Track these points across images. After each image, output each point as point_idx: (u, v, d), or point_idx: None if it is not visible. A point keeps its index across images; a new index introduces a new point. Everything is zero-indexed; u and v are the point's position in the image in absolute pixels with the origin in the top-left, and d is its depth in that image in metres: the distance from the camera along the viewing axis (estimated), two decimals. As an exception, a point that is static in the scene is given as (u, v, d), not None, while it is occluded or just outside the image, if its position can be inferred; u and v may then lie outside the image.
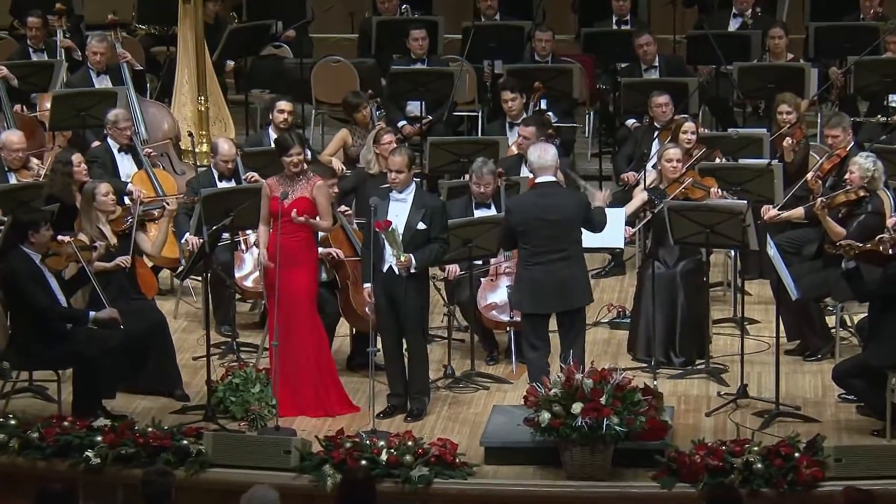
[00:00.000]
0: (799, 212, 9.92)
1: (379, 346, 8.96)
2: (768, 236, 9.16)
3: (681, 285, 9.59)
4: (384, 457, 8.16)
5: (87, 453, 8.35)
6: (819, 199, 9.54)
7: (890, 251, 8.54)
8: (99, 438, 8.39)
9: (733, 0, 13.08)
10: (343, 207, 9.92)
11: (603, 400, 8.02)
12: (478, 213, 9.73)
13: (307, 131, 12.66)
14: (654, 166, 10.45)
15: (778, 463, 8.03)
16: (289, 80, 13.01)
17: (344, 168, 11.14)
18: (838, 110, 11.80)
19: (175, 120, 12.16)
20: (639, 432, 8.09)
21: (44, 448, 8.45)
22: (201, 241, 9.22)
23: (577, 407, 8.00)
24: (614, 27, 13.09)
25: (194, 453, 8.31)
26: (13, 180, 10.42)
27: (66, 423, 8.53)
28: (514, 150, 10.93)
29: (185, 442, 8.36)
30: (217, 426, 8.71)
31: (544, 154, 8.70)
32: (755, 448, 8.10)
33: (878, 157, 9.63)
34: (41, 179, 10.38)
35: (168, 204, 9.95)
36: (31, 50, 12.56)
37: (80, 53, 12.52)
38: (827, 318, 9.74)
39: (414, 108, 12.39)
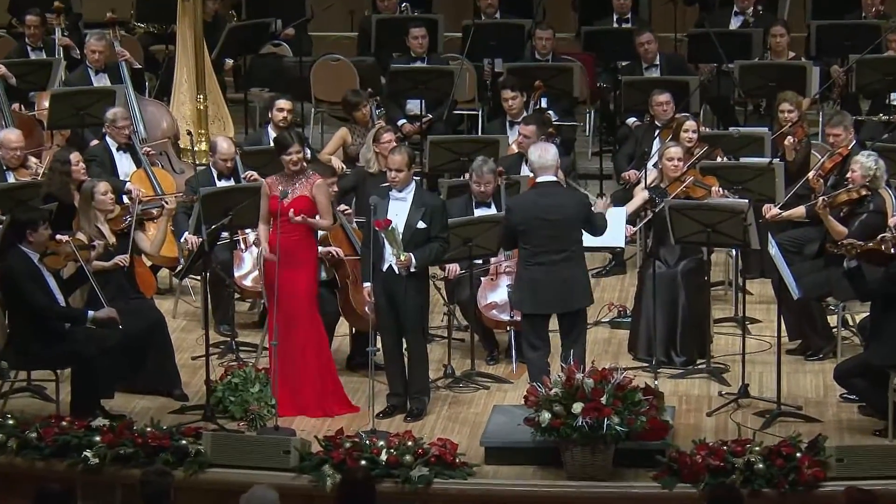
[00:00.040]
0: (800, 211, 9.90)
1: (378, 345, 8.94)
2: (770, 235, 9.15)
3: (682, 284, 9.57)
4: (384, 457, 8.15)
5: (85, 453, 8.33)
6: (821, 198, 9.52)
7: (892, 250, 8.52)
8: (97, 438, 8.38)
9: (734, -2, 13.09)
10: (343, 206, 9.89)
11: (604, 400, 8.00)
12: (478, 212, 9.71)
13: (307, 130, 12.64)
14: (654, 165, 10.43)
15: (779, 463, 8.02)
16: (288, 78, 12.99)
17: (343, 167, 11.12)
18: (840, 109, 11.78)
19: (174, 118, 12.14)
20: (640, 432, 8.08)
21: (42, 448, 8.44)
22: (200, 240, 9.19)
23: (577, 407, 7.99)
24: (615, 25, 13.08)
25: (193, 453, 8.29)
26: (11, 179, 10.40)
27: (64, 423, 8.52)
28: (515, 148, 10.91)
29: (183, 442, 8.34)
30: (216, 426, 8.69)
31: (545, 153, 8.68)
32: (756, 448, 8.09)
33: (880, 156, 9.62)
34: (39, 178, 10.36)
35: (167, 203, 9.94)
36: (29, 48, 12.54)
37: (78, 52, 12.50)
38: (829, 317, 9.72)
39: (414, 106, 12.37)
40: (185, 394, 9.21)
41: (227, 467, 8.27)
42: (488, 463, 8.32)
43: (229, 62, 13.27)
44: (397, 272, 8.80)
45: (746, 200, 9.51)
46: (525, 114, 11.49)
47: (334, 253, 9.47)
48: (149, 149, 11.20)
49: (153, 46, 13.74)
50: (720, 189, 9.97)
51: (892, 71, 11.88)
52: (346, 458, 8.15)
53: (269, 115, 11.22)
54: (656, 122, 11.30)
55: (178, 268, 9.90)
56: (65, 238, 9.06)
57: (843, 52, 12.41)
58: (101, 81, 11.92)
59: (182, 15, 12.49)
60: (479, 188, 9.75)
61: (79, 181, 9.95)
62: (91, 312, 8.86)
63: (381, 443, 8.23)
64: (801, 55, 12.57)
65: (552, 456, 8.19)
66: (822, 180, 10.05)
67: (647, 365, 9.43)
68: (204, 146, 11.95)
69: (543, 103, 12.00)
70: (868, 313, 8.98)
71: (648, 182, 10.24)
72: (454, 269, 9.61)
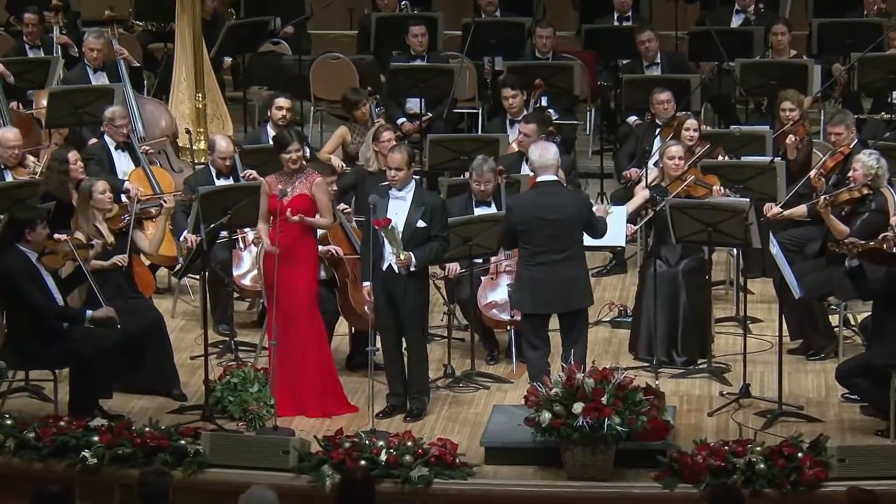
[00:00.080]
0: (802, 210, 9.87)
1: (378, 345, 8.92)
2: (771, 234, 9.12)
3: (683, 284, 9.55)
4: (383, 457, 8.13)
5: (83, 453, 8.31)
6: (822, 197, 9.50)
7: (894, 249, 8.49)
8: (96, 438, 8.36)
9: (735, -4, 13.06)
10: (342, 205, 9.86)
11: (604, 400, 7.98)
12: (478, 211, 9.68)
13: (306, 129, 12.61)
14: (655, 164, 10.40)
15: (781, 463, 8.01)
16: (287, 76, 12.97)
17: (343, 165, 11.09)
18: (841, 107, 11.76)
19: (172, 117, 12.13)
20: (640, 432, 8.06)
21: (40, 448, 8.42)
22: (199, 239, 9.16)
23: (578, 407, 7.97)
24: (615, 23, 13.06)
25: (192, 453, 8.27)
26: (9, 178, 10.38)
27: (62, 423, 8.50)
28: (515, 147, 10.88)
29: (182, 442, 8.32)
30: (215, 426, 8.67)
31: (545, 153, 8.65)
32: (758, 448, 8.08)
33: (882, 155, 9.60)
34: (37, 177, 10.33)
35: (165, 202, 9.92)
36: (27, 46, 12.53)
37: (76, 50, 12.48)
38: (830, 316, 9.71)
39: (414, 105, 12.34)
40: (183, 394, 9.19)
41: (226, 467, 8.25)
42: (488, 463, 8.30)
43: (228, 60, 13.24)
44: (397, 271, 8.77)
45: (748, 199, 9.49)
46: (525, 112, 11.47)
47: (333, 252, 9.44)
48: (147, 147, 11.18)
49: (152, 45, 13.72)
50: (721, 188, 9.95)
51: (894, 69, 11.86)
52: (346, 459, 8.14)
53: (268, 114, 11.20)
54: (657, 121, 11.28)
55: (177, 267, 9.89)
56: (63, 237, 9.05)
57: (845, 50, 12.39)
58: (100, 80, 11.90)
59: (181, 13, 12.47)
60: (479, 187, 9.72)
61: (77, 180, 9.93)
62: (89, 312, 8.84)
63: (381, 443, 8.21)
64: (802, 53, 12.55)
65: (552, 456, 8.18)
66: (823, 179, 10.02)
67: (647, 365, 9.40)
68: (203, 145, 11.93)
69: (544, 102, 11.98)
70: (870, 313, 8.95)
71: (649, 181, 10.21)
72: (454, 268, 9.58)
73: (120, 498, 8.27)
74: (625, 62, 12.61)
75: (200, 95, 12.28)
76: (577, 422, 7.95)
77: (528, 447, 8.19)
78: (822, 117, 12.19)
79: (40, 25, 12.53)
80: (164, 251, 10.01)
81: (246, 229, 9.94)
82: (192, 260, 9.22)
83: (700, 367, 9.47)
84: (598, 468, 8.08)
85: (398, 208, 8.80)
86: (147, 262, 9.99)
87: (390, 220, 8.70)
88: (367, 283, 8.80)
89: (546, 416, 8.00)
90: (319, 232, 9.20)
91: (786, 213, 9.93)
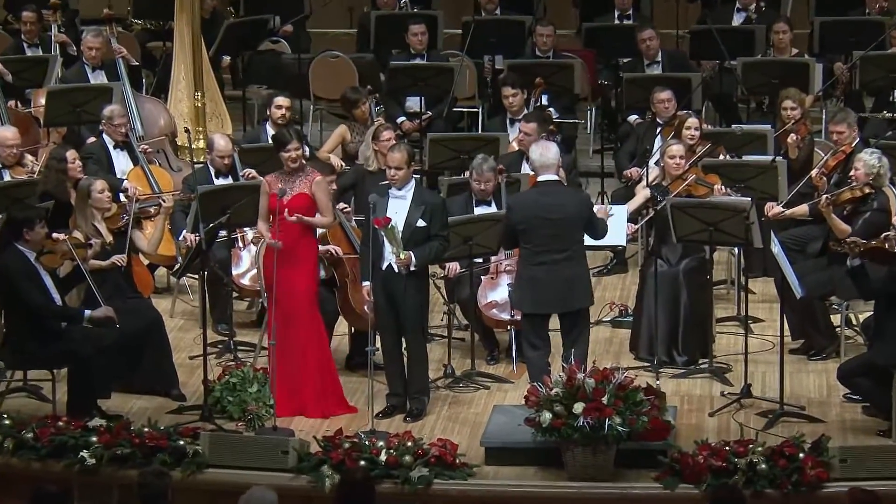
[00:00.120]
0: (803, 209, 9.84)
1: (378, 345, 8.89)
2: (772, 234, 9.09)
3: (684, 283, 9.52)
4: (383, 457, 8.12)
5: (82, 454, 8.29)
6: (824, 196, 9.47)
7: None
8: (94, 439, 8.34)
9: (737, -6, 13.04)
10: (341, 204, 9.84)
11: (605, 400, 7.96)
12: (478, 211, 9.66)
13: (305, 127, 12.59)
14: (656, 163, 10.37)
15: (782, 463, 7.99)
16: (286, 75, 12.95)
17: (342, 165, 11.06)
18: (843, 106, 11.73)
19: (171, 116, 12.11)
20: (641, 432, 8.04)
21: (38, 448, 8.40)
22: (198, 238, 9.14)
23: (578, 407, 7.95)
24: (616, 22, 13.04)
25: (191, 454, 8.26)
26: (7, 177, 10.36)
27: (60, 424, 8.49)
28: (515, 146, 10.86)
29: (181, 442, 8.31)
30: (214, 426, 8.65)
31: (546, 152, 8.63)
32: (759, 448, 8.06)
33: (884, 154, 9.58)
34: (36, 176, 10.31)
35: (164, 201, 9.89)
36: (25, 45, 12.50)
37: (75, 48, 12.46)
38: (832, 316, 9.69)
39: (413, 103, 12.31)
40: (182, 394, 9.17)
41: (225, 468, 8.23)
42: (489, 463, 8.28)
43: (226, 59, 13.21)
44: (397, 271, 8.75)
45: (749, 198, 9.45)
46: (526, 111, 11.44)
47: (333, 252, 9.41)
48: (146, 146, 11.15)
49: (150, 43, 13.69)
50: (722, 187, 9.92)
51: (896, 68, 11.85)
52: (345, 459, 8.12)
53: (268, 113, 11.18)
54: (658, 120, 11.25)
55: (176, 266, 9.87)
56: (61, 236, 9.03)
57: (847, 48, 12.37)
58: (98, 78, 11.88)
59: (180, 11, 12.45)
60: (479, 186, 9.69)
61: (75, 179, 9.91)
62: (88, 312, 8.83)
63: (381, 443, 8.20)
64: (804, 52, 12.54)
65: (553, 456, 8.16)
66: (825, 178, 10.00)
67: (648, 365, 9.38)
68: (202, 144, 11.89)
69: (544, 100, 11.96)
70: (871, 312, 8.92)
71: (650, 180, 10.18)
72: (454, 267, 9.56)
73: (119, 498, 8.25)
74: (625, 61, 12.59)
75: (199, 94, 12.25)
76: (577, 422, 7.93)
77: (529, 447, 8.18)
78: (824, 116, 12.17)
79: (38, 24, 12.51)
80: (163, 251, 9.99)
81: (245, 228, 9.91)
82: (190, 259, 9.20)
83: (701, 367, 9.44)
84: (598, 468, 8.06)
85: (398, 207, 8.78)
86: (146, 262, 9.96)
87: (390, 220, 8.67)
88: (366, 283, 8.77)
89: (546, 416, 7.98)
90: (319, 231, 9.17)
91: (787, 212, 9.90)
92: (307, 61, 12.97)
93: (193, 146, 11.77)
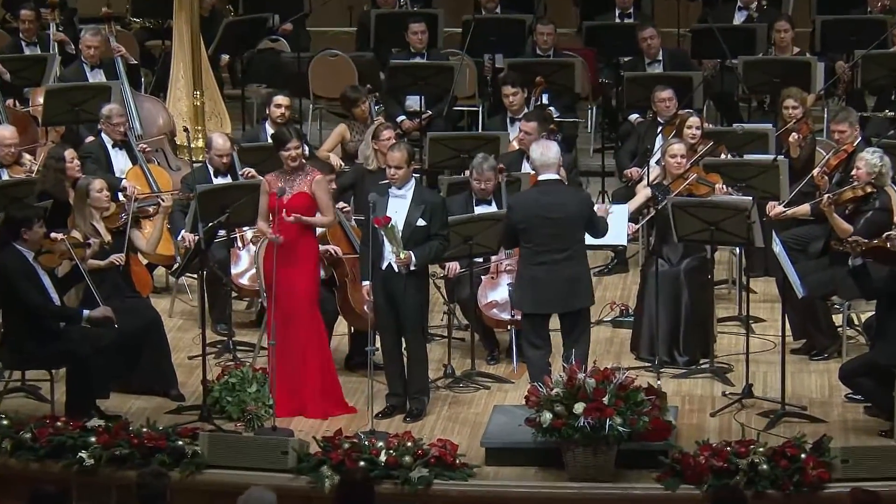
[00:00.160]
0: (805, 208, 9.82)
1: (378, 345, 8.86)
2: (774, 233, 9.06)
3: (685, 283, 9.50)
4: (383, 458, 8.10)
5: (80, 454, 8.27)
6: (825, 196, 9.45)
7: (898, 248, 8.44)
8: (93, 439, 8.32)
9: (738, -7, 13.01)
10: (341, 204, 9.81)
11: (606, 400, 7.95)
12: (478, 210, 9.64)
13: (304, 126, 12.57)
14: (657, 162, 10.35)
15: (784, 464, 7.97)
16: (286, 74, 12.93)
17: (342, 164, 11.04)
18: (845, 105, 11.72)
19: (170, 115, 12.09)
20: (642, 433, 8.02)
21: (37, 449, 8.38)
22: (197, 238, 9.11)
23: (579, 407, 7.93)
24: (617, 20, 13.02)
25: (190, 454, 8.24)
26: (5, 176, 10.36)
27: (59, 424, 8.47)
28: (516, 145, 10.83)
29: (180, 443, 8.29)
30: (213, 426, 8.63)
31: (547, 151, 8.60)
32: (760, 449, 8.04)
33: (886, 153, 9.56)
34: (34, 175, 10.28)
35: (163, 200, 9.87)
36: (23, 43, 12.48)
37: (73, 47, 12.43)
38: (833, 316, 9.68)
39: (413, 102, 12.29)
40: (181, 394, 9.15)
41: (225, 468, 8.22)
42: (489, 464, 8.27)
43: (225, 58, 13.18)
44: (397, 270, 8.72)
45: (750, 198, 9.43)
46: (526, 110, 11.42)
47: (333, 251, 9.38)
48: (145, 145, 11.13)
49: (149, 42, 13.67)
50: (724, 186, 9.90)
51: (898, 66, 11.82)
52: (345, 459, 8.10)
53: (267, 112, 11.15)
54: (659, 119, 11.23)
55: (175, 266, 9.83)
56: (60, 236, 9.01)
57: (849, 47, 12.35)
58: (97, 77, 11.86)
59: (178, 10, 12.42)
60: (479, 185, 9.67)
61: (74, 178, 9.89)
62: (86, 311, 8.81)
63: (381, 443, 8.18)
64: (805, 51, 12.52)
65: (553, 457, 8.14)
66: (826, 177, 9.98)
67: (649, 364, 9.37)
68: (200, 143, 11.86)
69: (544, 99, 11.94)
70: (873, 312, 8.90)
71: (651, 179, 10.16)
72: (454, 267, 9.54)
73: (117, 499, 8.25)
74: (626, 59, 12.57)
75: (198, 93, 12.22)
76: (578, 422, 7.91)
77: (529, 448, 8.15)
78: (826, 115, 12.15)
79: (37, 22, 12.49)
80: (162, 250, 9.96)
81: (244, 228, 9.88)
82: (189, 259, 9.19)
83: (702, 367, 9.42)
84: (599, 469, 8.04)
85: (398, 207, 8.75)
86: (144, 262, 9.94)
87: (390, 219, 8.64)
88: (366, 283, 8.74)
89: (547, 416, 7.96)
90: (319, 231, 9.14)
91: (789, 211, 9.88)
92: (307, 60, 12.95)
93: (192, 145, 11.74)
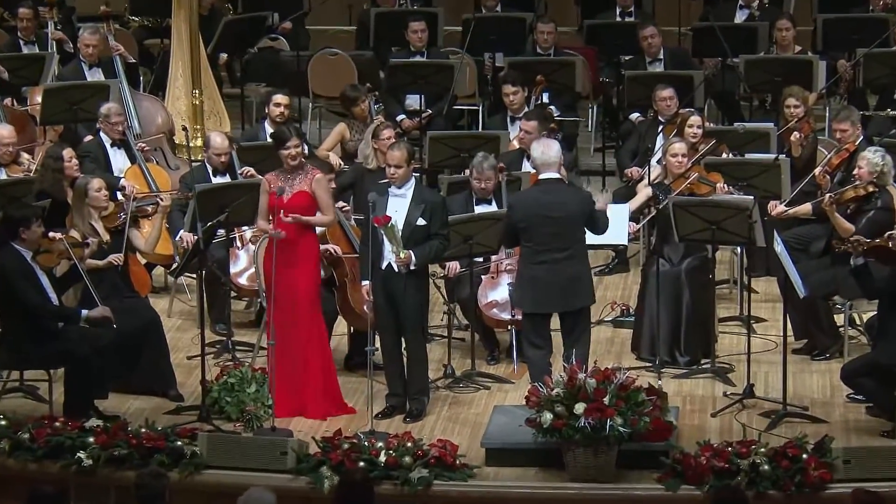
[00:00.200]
0: (807, 208, 9.80)
1: (377, 345, 8.84)
2: (775, 233, 9.05)
3: (686, 283, 9.48)
4: (383, 458, 8.08)
5: (79, 454, 8.26)
6: (827, 195, 9.43)
7: (900, 248, 8.42)
8: (91, 439, 8.31)
9: (740, -9, 12.99)
10: (341, 203, 9.78)
11: (606, 400, 7.93)
12: (478, 209, 9.62)
13: (304, 125, 12.56)
14: (658, 161, 10.34)
15: (785, 464, 7.96)
16: (285, 73, 12.91)
17: (341, 163, 11.01)
18: (847, 104, 11.72)
19: (169, 114, 12.07)
20: (643, 433, 8.00)
21: (35, 449, 8.36)
22: (196, 237, 9.08)
23: (579, 407, 7.91)
24: (618, 19, 13.01)
25: (189, 455, 8.22)
26: (3, 176, 10.35)
27: (57, 424, 8.45)
28: (516, 144, 10.82)
29: (179, 443, 8.27)
30: (212, 427, 8.61)
31: (548, 150, 8.58)
32: (762, 449, 8.02)
33: (888, 152, 9.53)
34: (32, 175, 10.27)
35: (162, 200, 9.85)
36: (21, 42, 12.46)
37: (71, 46, 12.42)
38: (835, 316, 9.66)
39: (413, 101, 12.27)
40: (180, 394, 9.13)
41: (224, 469, 8.20)
42: (489, 464, 8.25)
43: (223, 56, 13.16)
44: (397, 270, 8.70)
45: (752, 197, 9.42)
46: (526, 109, 11.40)
47: (332, 251, 9.35)
48: (143, 144, 11.12)
49: (148, 40, 13.65)
50: (725, 185, 9.88)
51: (900, 66, 11.80)
52: (345, 460, 8.09)
53: (266, 111, 11.14)
54: (660, 118, 11.22)
55: (174, 266, 9.81)
56: (58, 236, 8.99)
57: (850, 46, 12.34)
58: (95, 76, 11.84)
59: (177, 8, 12.40)
60: (479, 185, 9.64)
61: (72, 177, 9.87)
62: (85, 311, 8.79)
63: (380, 444, 8.16)
64: (807, 49, 12.50)
65: (554, 457, 8.12)
66: (828, 177, 9.96)
67: (650, 365, 9.35)
68: (199, 142, 11.84)
69: (545, 98, 11.93)
70: (875, 312, 8.88)
71: (652, 178, 10.14)
72: (454, 267, 9.51)
73: (116, 499, 8.24)
74: (627, 58, 12.56)
75: (197, 92, 12.20)
76: (578, 422, 7.89)
77: (530, 448, 8.14)
78: (827, 114, 12.15)
79: (35, 21, 12.47)
80: (161, 250, 9.94)
81: (243, 228, 9.85)
82: (188, 259, 9.16)
83: (703, 367, 9.40)
84: (600, 469, 8.02)
85: (398, 206, 8.73)
86: (143, 261, 9.92)
87: (390, 218, 8.62)
88: (366, 282, 8.72)
89: (547, 416, 7.94)
90: (318, 230, 9.11)
91: (790, 211, 9.87)
92: (306, 59, 12.94)
93: (191, 144, 11.72)
